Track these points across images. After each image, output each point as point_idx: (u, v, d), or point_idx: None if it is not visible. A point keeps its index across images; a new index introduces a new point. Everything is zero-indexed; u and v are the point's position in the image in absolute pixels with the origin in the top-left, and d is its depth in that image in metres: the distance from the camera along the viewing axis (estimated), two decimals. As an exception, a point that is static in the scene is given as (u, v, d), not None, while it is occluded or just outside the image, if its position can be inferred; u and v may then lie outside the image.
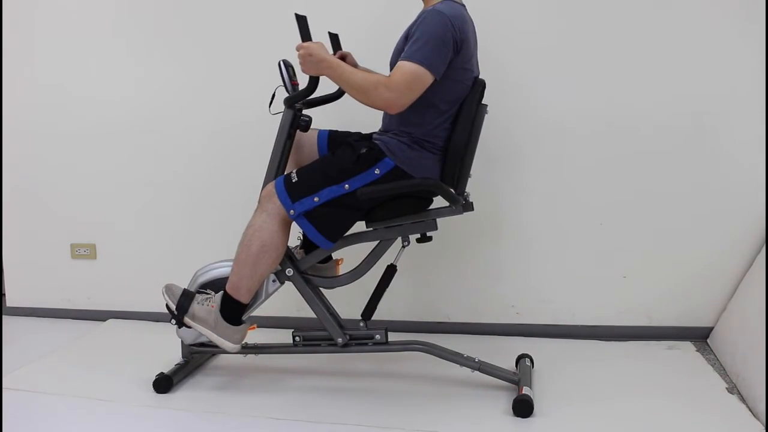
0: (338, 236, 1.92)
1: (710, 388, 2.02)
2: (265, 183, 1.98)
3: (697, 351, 2.32)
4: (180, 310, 1.95)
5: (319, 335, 2.04)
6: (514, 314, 2.52)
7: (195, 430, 1.85)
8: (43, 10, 2.70)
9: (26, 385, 2.13)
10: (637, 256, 2.42)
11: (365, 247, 2.00)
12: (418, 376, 2.15)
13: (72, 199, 2.80)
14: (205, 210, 2.69)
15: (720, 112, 2.30)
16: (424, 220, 1.93)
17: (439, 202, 1.92)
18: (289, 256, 2.01)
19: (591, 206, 2.42)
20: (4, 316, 2.87)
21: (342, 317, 2.07)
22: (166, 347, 2.28)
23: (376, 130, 2.03)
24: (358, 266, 2.01)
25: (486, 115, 1.98)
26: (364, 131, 2.08)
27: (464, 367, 1.98)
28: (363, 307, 2.00)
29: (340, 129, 2.14)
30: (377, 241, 1.98)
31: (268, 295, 2.02)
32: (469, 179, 1.99)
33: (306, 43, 1.82)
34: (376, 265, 1.99)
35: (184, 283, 2.04)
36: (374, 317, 2.01)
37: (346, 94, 1.99)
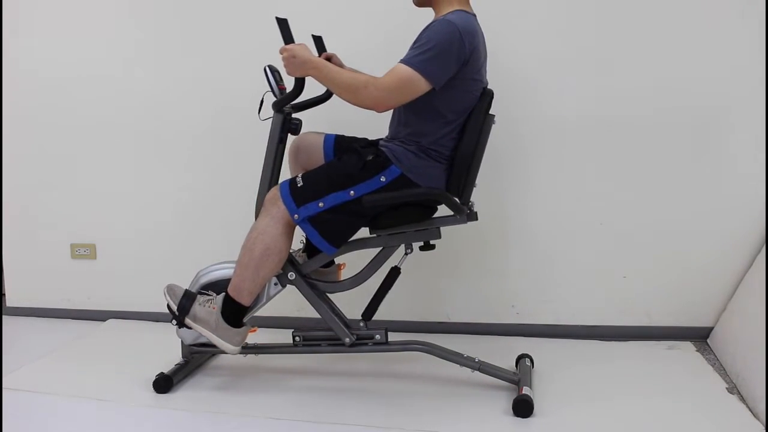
0: (342, 242, 1.92)
1: (710, 388, 2.02)
2: (260, 188, 1.98)
3: (697, 351, 2.32)
4: (181, 311, 1.94)
5: (319, 335, 2.04)
6: (515, 314, 2.52)
7: (195, 430, 1.85)
8: (43, 9, 2.70)
9: (26, 385, 2.13)
10: (637, 256, 2.42)
11: (368, 250, 2.00)
12: (418, 376, 2.15)
13: (72, 199, 2.80)
14: (205, 210, 2.69)
15: (720, 112, 2.30)
16: (428, 228, 1.93)
17: (443, 210, 1.92)
18: (290, 260, 2.00)
19: (591, 206, 2.42)
20: (4, 316, 2.87)
21: (342, 317, 2.07)
22: (166, 347, 2.29)
23: (373, 133, 2.02)
24: (360, 272, 2.00)
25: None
26: (357, 134, 2.07)
27: (464, 367, 1.98)
28: (363, 308, 2.00)
29: (336, 131, 2.14)
30: (380, 248, 1.98)
31: (269, 298, 2.01)
32: (474, 189, 1.98)
33: (289, 46, 1.82)
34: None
35: (183, 283, 2.04)
36: (374, 317, 2.01)
37: (334, 96, 1.98)
